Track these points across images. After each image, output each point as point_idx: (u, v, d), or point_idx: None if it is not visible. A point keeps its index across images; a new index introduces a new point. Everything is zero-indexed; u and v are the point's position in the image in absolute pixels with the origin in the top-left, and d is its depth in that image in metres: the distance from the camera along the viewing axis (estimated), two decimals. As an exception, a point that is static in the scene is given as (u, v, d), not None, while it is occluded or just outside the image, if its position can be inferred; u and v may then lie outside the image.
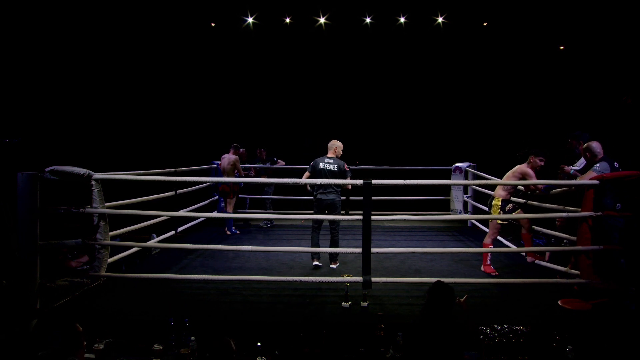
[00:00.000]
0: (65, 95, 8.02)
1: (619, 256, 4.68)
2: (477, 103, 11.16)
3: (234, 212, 8.09)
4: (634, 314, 4.20)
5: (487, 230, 7.73)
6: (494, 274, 5.52)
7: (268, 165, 9.19)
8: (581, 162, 5.36)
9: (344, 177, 5.69)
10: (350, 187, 5.58)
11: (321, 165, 5.79)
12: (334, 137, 6.02)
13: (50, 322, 4.01)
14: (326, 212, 5.78)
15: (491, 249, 5.69)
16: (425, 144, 11.36)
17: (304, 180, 5.43)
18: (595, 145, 4.94)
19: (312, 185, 5.84)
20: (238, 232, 8.04)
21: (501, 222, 5.68)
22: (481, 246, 5.92)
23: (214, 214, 8.04)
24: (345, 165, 5.78)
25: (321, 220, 5.85)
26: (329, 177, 5.69)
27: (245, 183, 8.35)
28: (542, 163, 5.44)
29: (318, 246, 5.82)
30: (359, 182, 4.68)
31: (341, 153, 5.97)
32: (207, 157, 8.97)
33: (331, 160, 5.81)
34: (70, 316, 4.05)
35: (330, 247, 5.79)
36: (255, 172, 9.14)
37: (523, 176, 5.43)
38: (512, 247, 6.31)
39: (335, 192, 5.75)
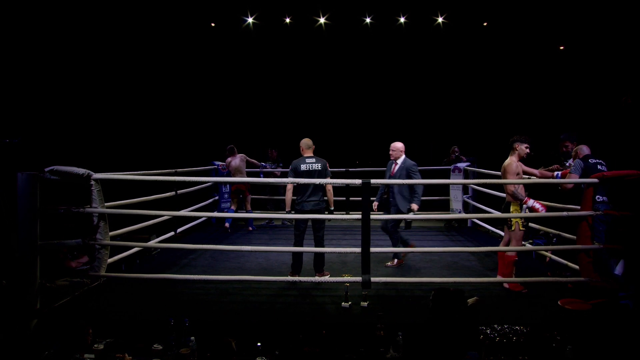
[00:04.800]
0: (64, 95, 8.02)
1: (607, 254, 4.71)
2: (477, 103, 11.16)
3: (235, 212, 8.23)
4: (633, 313, 4.20)
5: (488, 228, 7.78)
6: (523, 291, 4.89)
7: (279, 165, 9.24)
8: (571, 162, 5.39)
9: (326, 177, 5.22)
10: (331, 188, 5.20)
11: (303, 167, 5.21)
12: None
13: (50, 322, 4.01)
14: (309, 220, 5.26)
15: (489, 248, 5.65)
16: (424, 144, 11.35)
17: (302, 180, 5.09)
18: (585, 149, 5.13)
19: (297, 191, 5.32)
20: (256, 228, 8.43)
21: (523, 227, 4.95)
22: (481, 245, 5.89)
23: (215, 214, 8.11)
24: (327, 164, 5.31)
25: (305, 228, 5.36)
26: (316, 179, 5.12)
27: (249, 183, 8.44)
28: (528, 150, 4.98)
29: (300, 259, 5.33)
30: (358, 182, 4.67)
31: None
32: (207, 157, 8.98)
33: (313, 160, 5.25)
34: (73, 316, 4.05)
35: (315, 258, 5.35)
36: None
37: (505, 174, 4.97)
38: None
39: (321, 196, 5.24)
